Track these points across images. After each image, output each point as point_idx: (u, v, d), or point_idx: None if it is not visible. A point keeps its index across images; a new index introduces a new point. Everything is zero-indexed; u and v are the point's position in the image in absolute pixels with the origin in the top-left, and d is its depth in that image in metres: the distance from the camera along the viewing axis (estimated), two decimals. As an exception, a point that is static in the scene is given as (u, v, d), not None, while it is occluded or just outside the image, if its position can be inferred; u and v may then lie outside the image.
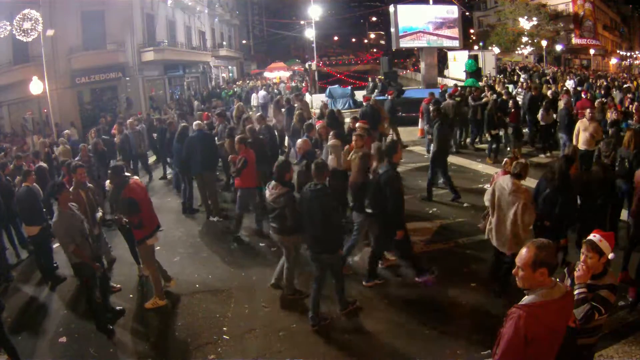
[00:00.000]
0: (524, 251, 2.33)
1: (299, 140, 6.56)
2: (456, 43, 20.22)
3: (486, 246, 6.18)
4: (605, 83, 20.55)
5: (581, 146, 7.98)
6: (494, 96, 11.84)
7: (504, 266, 4.69)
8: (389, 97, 12.66)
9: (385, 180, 5.03)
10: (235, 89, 27.65)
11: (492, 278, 5.04)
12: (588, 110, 8.31)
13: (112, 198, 5.70)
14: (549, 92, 12.96)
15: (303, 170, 5.92)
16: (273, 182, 4.96)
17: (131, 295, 5.67)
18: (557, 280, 2.45)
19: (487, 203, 4.91)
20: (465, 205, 7.66)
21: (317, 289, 4.70)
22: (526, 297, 2.36)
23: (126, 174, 5.45)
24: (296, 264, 5.27)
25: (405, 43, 19.67)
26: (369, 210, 5.33)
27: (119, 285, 5.78)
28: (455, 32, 19.84)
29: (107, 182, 6.00)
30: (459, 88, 14.05)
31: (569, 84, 20.76)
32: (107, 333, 4.80)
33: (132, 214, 5.13)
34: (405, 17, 19.32)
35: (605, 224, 5.34)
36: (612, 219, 5.67)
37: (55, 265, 6.36)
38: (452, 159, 9.39)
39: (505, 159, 5.67)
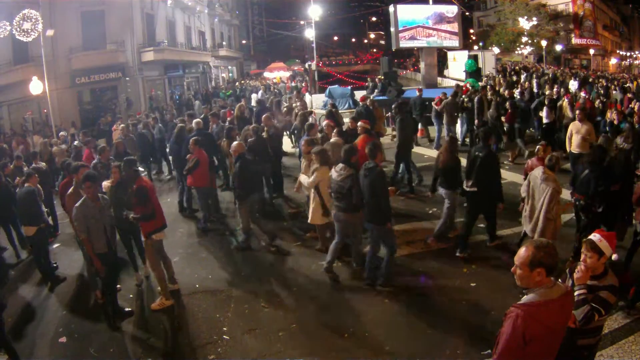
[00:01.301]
0: (522, 250, 2.32)
1: (234, 143, 6.60)
2: (456, 40, 20.15)
3: (486, 246, 6.22)
4: (605, 83, 20.56)
5: (574, 149, 7.75)
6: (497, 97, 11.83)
7: None
8: (418, 93, 12.53)
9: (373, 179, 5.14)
10: (237, 89, 27.69)
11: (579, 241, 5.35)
12: (578, 112, 8.01)
13: (115, 195, 5.70)
14: (548, 92, 12.96)
15: (237, 172, 6.28)
16: (341, 164, 5.26)
17: (131, 296, 5.67)
18: (559, 280, 2.45)
19: (523, 194, 5.29)
20: (465, 205, 7.64)
21: (371, 256, 5.34)
22: (525, 296, 2.35)
23: (140, 168, 5.47)
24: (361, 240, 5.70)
25: (405, 43, 19.66)
26: (469, 188, 5.85)
27: (118, 286, 5.77)
28: (455, 27, 19.79)
29: (104, 182, 6.00)
30: (471, 88, 14.04)
31: (573, 84, 20.73)
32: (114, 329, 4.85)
33: (144, 204, 5.15)
34: (405, 13, 19.35)
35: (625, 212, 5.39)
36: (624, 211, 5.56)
37: (55, 265, 6.36)
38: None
39: (537, 146, 6.05)
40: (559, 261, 2.36)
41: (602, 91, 17.61)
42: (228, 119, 11.15)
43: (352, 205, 5.17)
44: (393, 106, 9.61)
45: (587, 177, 5.29)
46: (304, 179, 6.11)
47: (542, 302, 2.27)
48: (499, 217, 6.38)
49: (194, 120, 8.93)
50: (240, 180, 6.30)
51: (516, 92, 13.09)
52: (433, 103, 11.97)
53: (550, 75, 25.20)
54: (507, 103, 10.84)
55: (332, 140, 7.04)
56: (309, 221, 6.21)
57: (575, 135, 7.86)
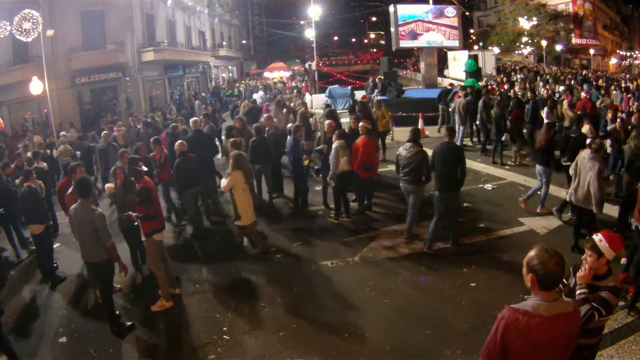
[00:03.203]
0: (531, 250, 2.28)
1: (177, 142, 7.18)
2: (455, 38, 19.88)
3: (486, 246, 6.22)
4: (605, 84, 20.54)
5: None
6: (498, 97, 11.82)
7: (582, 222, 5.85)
8: (464, 97, 12.06)
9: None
10: (240, 89, 27.69)
11: (575, 233, 5.93)
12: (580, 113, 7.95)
13: (121, 197, 5.70)
14: (544, 92, 12.90)
15: (176, 168, 6.94)
16: (409, 143, 6.20)
17: (131, 296, 5.68)
18: (562, 296, 2.38)
19: (571, 172, 6.01)
20: (465, 205, 7.65)
21: (436, 222, 6.05)
22: (525, 300, 2.31)
23: (144, 168, 5.50)
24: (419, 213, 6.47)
25: (405, 43, 19.62)
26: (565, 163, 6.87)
27: (119, 286, 5.77)
28: (454, 21, 19.71)
29: (107, 185, 6.01)
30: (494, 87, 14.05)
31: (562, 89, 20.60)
32: (123, 330, 4.81)
33: (147, 204, 5.15)
34: (404, 10, 19.38)
35: None
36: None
37: (55, 265, 6.36)
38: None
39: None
40: (558, 276, 2.22)
41: (602, 91, 17.57)
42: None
43: (418, 177, 6.13)
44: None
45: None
46: (222, 182, 6.43)
47: (529, 312, 2.18)
48: (499, 217, 6.93)
49: (191, 120, 8.92)
50: (179, 175, 6.98)
51: (517, 89, 13.08)
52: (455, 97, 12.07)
53: (551, 76, 25.18)
54: (512, 103, 10.76)
55: (336, 144, 7.07)
56: (239, 223, 6.30)
57: None
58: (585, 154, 5.74)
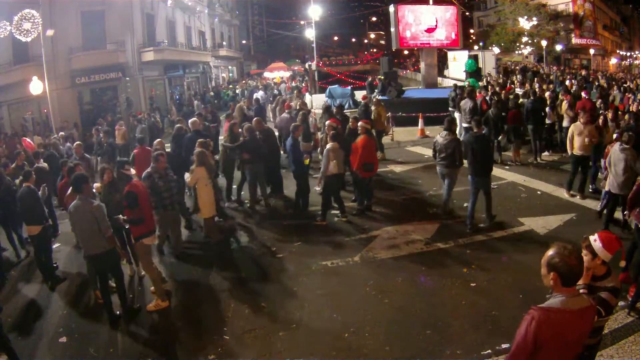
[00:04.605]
0: (550, 248, 2.30)
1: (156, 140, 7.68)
2: (455, 38, 19.94)
3: (486, 246, 6.22)
4: (605, 84, 20.53)
5: (577, 151, 7.66)
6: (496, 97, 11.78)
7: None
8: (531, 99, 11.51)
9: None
10: (237, 90, 27.71)
11: (609, 219, 6.39)
12: (582, 114, 7.83)
13: (106, 196, 5.70)
14: (547, 94, 12.88)
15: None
16: (445, 131, 6.99)
17: (131, 296, 5.67)
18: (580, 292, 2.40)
19: (605, 165, 6.49)
20: (465, 205, 7.64)
21: (473, 203, 6.73)
22: (548, 300, 2.31)
23: (132, 171, 5.52)
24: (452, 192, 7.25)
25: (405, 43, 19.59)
26: None
27: (112, 285, 5.77)
28: (454, 21, 19.67)
29: (95, 184, 6.04)
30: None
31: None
32: (117, 325, 4.91)
33: (133, 207, 5.16)
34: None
35: None
36: None
37: (55, 265, 6.36)
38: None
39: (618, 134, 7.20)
40: (580, 270, 2.25)
41: (602, 92, 17.56)
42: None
43: (453, 161, 6.91)
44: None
45: None
46: (187, 176, 6.94)
47: (560, 309, 2.21)
48: (499, 217, 7.04)
49: (190, 120, 8.93)
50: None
51: (518, 91, 13.04)
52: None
53: (554, 76, 25.16)
54: (510, 103, 10.69)
55: (328, 146, 7.09)
56: (198, 216, 6.99)
57: (577, 137, 7.67)
58: (616, 147, 6.30)
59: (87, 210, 4.72)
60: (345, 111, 11.23)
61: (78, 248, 6.76)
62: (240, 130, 8.31)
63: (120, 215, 5.38)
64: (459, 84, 15.23)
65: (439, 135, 7.17)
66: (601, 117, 8.55)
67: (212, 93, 26.66)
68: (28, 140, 14.53)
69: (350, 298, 5.16)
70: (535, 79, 23.08)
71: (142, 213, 5.22)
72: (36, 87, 13.88)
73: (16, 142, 13.04)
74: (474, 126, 6.88)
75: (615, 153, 6.27)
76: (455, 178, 7.17)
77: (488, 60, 27.45)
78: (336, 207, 7.52)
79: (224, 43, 37.04)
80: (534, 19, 38.79)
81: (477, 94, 11.97)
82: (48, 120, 16.47)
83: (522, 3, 40.05)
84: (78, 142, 9.12)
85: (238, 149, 7.98)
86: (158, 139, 7.46)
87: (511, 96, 11.37)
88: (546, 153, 10.72)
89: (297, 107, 11.30)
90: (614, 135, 7.86)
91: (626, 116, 9.55)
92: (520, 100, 11.72)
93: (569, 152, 7.88)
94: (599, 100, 12.78)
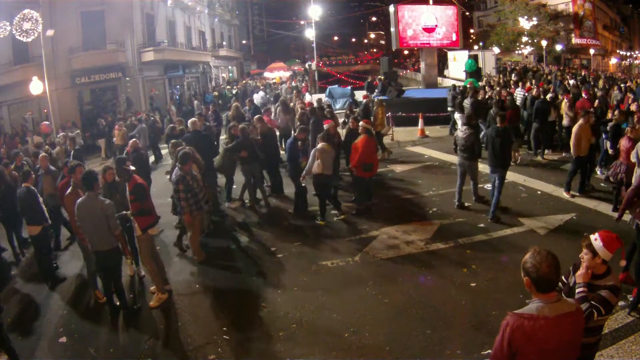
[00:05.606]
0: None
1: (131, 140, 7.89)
2: (455, 38, 19.97)
3: (486, 246, 6.22)
4: (606, 84, 20.51)
5: (583, 153, 7.61)
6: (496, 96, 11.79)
7: None
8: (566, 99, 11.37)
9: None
10: (235, 91, 27.70)
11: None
12: (584, 114, 7.79)
13: (106, 196, 5.70)
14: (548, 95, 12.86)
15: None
16: (464, 126, 7.50)
17: (132, 296, 5.68)
18: (563, 296, 2.38)
19: (633, 160, 6.40)
20: (466, 205, 7.66)
21: (497, 197, 6.99)
22: (526, 306, 2.30)
23: (131, 167, 5.57)
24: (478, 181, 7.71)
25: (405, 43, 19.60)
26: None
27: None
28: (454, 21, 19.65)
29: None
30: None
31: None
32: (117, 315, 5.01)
33: (142, 200, 5.31)
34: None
35: None
36: None
37: (55, 265, 6.36)
38: (454, 158, 9.36)
39: (627, 128, 7.26)
40: (551, 278, 2.20)
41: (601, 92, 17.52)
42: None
43: (472, 154, 7.29)
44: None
45: None
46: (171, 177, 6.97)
47: (533, 316, 2.17)
48: (499, 217, 7.07)
49: (190, 120, 8.93)
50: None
51: (518, 92, 13.04)
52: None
53: (553, 76, 25.14)
54: (508, 103, 10.73)
55: (318, 146, 7.09)
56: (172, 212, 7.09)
57: (584, 140, 7.58)
58: None
59: (98, 207, 4.80)
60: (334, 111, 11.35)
61: (78, 248, 6.76)
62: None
63: (124, 212, 5.44)
64: (458, 84, 15.21)
65: (459, 130, 7.76)
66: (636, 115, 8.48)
67: (216, 93, 26.70)
68: (47, 123, 14.63)
69: (350, 298, 5.16)
70: (534, 80, 23.08)
71: (149, 204, 5.43)
72: (36, 87, 13.89)
73: (17, 142, 13.07)
74: (499, 121, 7.13)
75: (639, 147, 6.31)
76: (476, 169, 7.57)
77: (488, 60, 27.44)
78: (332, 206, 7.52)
79: (224, 43, 37.04)
80: (534, 18, 38.80)
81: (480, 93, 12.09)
82: (48, 120, 16.47)
83: (522, 3, 40.06)
84: (43, 154, 7.98)
85: (230, 150, 7.98)
86: (133, 139, 7.54)
87: (508, 97, 11.35)
88: (547, 151, 10.72)
89: (297, 108, 11.32)
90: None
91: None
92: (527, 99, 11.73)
93: (574, 154, 7.70)
94: (597, 101, 12.74)
